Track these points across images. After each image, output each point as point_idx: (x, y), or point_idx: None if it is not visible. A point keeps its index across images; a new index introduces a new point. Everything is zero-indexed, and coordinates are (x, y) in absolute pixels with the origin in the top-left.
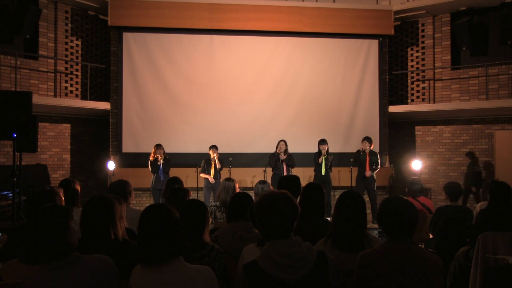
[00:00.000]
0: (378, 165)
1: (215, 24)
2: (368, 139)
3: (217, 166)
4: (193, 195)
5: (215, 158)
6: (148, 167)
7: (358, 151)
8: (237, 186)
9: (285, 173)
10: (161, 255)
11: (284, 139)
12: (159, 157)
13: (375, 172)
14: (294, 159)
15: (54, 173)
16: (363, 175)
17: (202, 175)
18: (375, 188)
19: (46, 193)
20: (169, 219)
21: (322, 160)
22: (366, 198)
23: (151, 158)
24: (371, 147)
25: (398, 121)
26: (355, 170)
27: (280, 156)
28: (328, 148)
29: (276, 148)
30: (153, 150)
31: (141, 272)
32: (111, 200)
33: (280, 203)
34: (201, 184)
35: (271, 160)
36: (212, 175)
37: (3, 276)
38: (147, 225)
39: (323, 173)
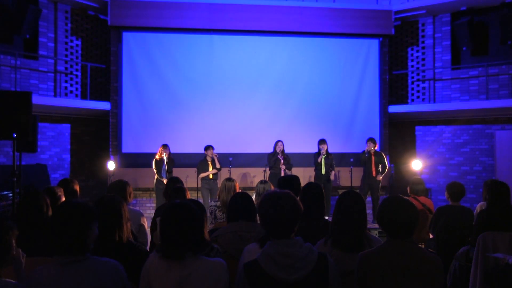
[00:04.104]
0: (386, 166)
1: (215, 24)
2: (372, 140)
3: (217, 166)
4: (193, 196)
5: (214, 158)
6: (152, 166)
7: (363, 152)
8: (237, 186)
9: (282, 173)
10: (182, 251)
11: (284, 139)
12: (165, 157)
13: (384, 174)
14: (290, 161)
15: (54, 173)
16: (368, 176)
17: (201, 175)
18: (379, 189)
19: (32, 195)
20: (194, 217)
21: (322, 160)
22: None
23: (157, 157)
24: (375, 147)
25: (398, 121)
26: (355, 170)
27: (280, 159)
28: (327, 148)
29: (274, 148)
30: (160, 149)
31: (160, 264)
32: (120, 201)
33: (283, 202)
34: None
35: (270, 160)
36: (210, 176)
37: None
38: (173, 222)
39: (323, 172)
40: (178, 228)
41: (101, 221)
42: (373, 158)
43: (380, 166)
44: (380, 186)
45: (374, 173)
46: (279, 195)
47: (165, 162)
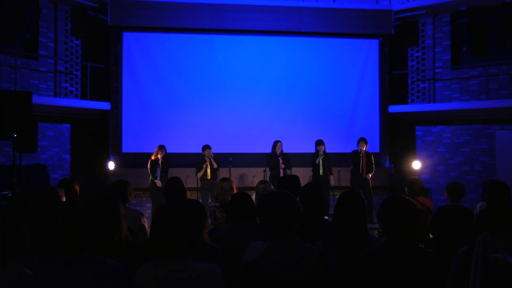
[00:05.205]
0: (373, 167)
1: (216, 24)
2: (364, 140)
3: (214, 166)
4: (193, 196)
5: (210, 158)
6: (147, 166)
7: (355, 151)
8: (233, 185)
9: (281, 173)
10: (176, 251)
11: (284, 139)
12: (159, 157)
13: (372, 172)
14: (289, 160)
15: (54, 173)
16: (359, 176)
17: (198, 174)
18: (370, 188)
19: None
20: (188, 218)
21: (320, 161)
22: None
23: (152, 157)
24: (366, 147)
25: (398, 121)
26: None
27: (279, 160)
28: (325, 149)
29: (273, 148)
30: (156, 149)
31: (151, 269)
32: (115, 199)
33: (282, 202)
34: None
35: (270, 161)
36: (209, 176)
37: None
38: (166, 223)
39: (321, 173)
40: (171, 230)
41: (99, 221)
42: (364, 158)
43: (369, 166)
44: (370, 184)
45: (364, 173)
46: (278, 195)
47: (160, 162)
